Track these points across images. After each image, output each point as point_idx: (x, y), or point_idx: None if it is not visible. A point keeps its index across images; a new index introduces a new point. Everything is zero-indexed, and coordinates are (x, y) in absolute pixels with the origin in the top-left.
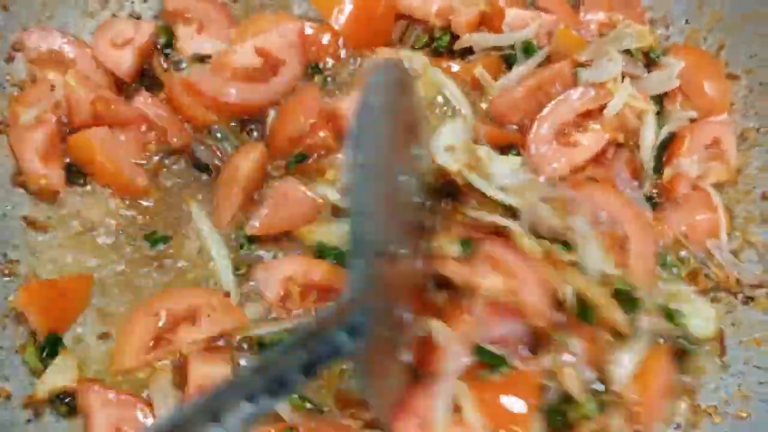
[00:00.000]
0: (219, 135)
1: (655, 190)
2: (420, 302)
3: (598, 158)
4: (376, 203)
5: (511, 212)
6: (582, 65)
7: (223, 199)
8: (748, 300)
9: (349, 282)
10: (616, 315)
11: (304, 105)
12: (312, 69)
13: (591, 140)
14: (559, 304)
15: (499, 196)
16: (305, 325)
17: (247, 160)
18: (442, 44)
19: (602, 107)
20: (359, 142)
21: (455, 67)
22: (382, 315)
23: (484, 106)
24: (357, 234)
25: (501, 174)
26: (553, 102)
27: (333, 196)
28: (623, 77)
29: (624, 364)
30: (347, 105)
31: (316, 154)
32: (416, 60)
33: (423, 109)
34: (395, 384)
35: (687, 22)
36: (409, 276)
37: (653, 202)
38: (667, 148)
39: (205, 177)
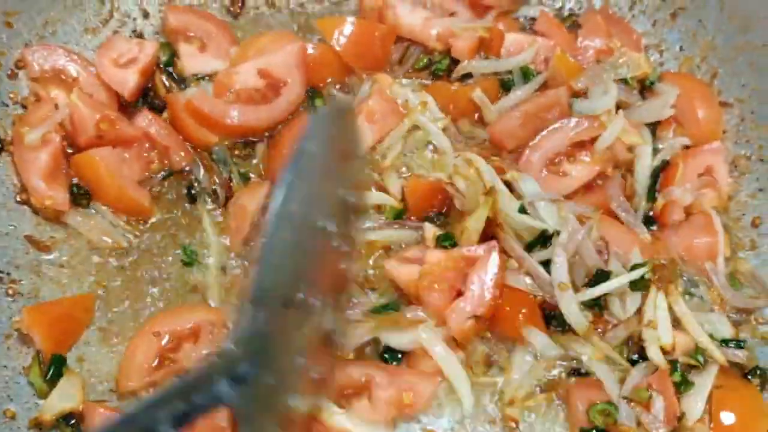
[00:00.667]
0: (218, 157)
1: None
2: (325, 353)
3: (588, 186)
4: (290, 253)
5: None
6: (577, 95)
7: (234, 234)
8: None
9: (236, 329)
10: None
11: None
12: (313, 90)
13: (580, 172)
14: None
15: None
16: (185, 374)
17: (254, 199)
18: (441, 68)
19: (595, 138)
20: (289, 190)
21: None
22: (272, 364)
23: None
24: (259, 282)
25: (532, 192)
26: (545, 131)
27: None
28: (617, 108)
29: (696, 404)
30: None
31: None
32: (412, 98)
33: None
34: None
35: (681, 49)
36: (315, 328)
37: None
38: (659, 175)
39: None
